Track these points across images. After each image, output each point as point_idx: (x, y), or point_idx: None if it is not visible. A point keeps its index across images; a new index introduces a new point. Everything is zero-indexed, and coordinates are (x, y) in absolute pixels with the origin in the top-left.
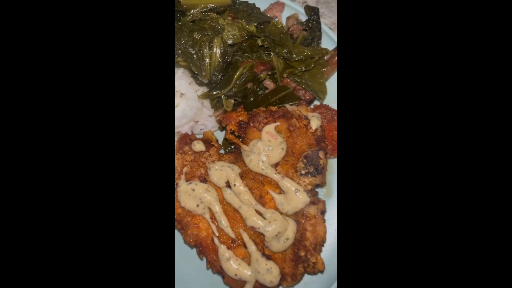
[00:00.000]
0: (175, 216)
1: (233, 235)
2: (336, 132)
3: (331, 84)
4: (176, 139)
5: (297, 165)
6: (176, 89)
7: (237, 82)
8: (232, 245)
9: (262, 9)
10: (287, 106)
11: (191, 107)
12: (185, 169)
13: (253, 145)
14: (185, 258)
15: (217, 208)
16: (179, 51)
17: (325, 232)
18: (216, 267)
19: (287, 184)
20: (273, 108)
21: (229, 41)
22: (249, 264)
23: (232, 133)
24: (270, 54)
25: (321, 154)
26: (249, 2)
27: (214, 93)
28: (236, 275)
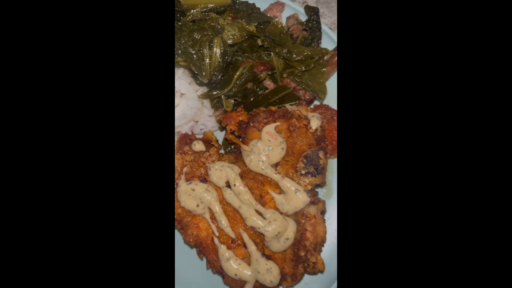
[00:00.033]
0: (175, 216)
1: (233, 235)
2: (336, 132)
3: (331, 84)
4: (176, 139)
5: (297, 165)
6: (176, 89)
7: (237, 82)
8: (232, 245)
9: (262, 9)
10: (287, 106)
11: (191, 107)
12: (185, 169)
13: (253, 145)
14: (185, 258)
15: (217, 208)
16: (179, 51)
17: (325, 232)
18: (216, 267)
19: (287, 184)
20: (273, 108)
21: (229, 41)
22: (249, 264)
23: (232, 133)
24: (270, 54)
25: (321, 154)
26: (249, 2)
27: (214, 93)
28: (236, 275)
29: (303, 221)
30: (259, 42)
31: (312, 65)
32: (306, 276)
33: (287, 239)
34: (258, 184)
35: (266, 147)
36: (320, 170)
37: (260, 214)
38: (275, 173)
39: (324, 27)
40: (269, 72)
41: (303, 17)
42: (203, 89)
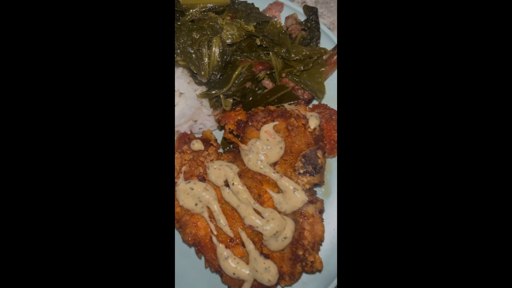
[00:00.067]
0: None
1: (231, 234)
2: (334, 132)
3: (330, 83)
4: (175, 138)
5: (296, 164)
6: (175, 88)
7: (236, 81)
8: (230, 244)
9: (261, 9)
10: (286, 105)
11: (190, 106)
12: (183, 168)
13: (252, 144)
14: (184, 257)
15: (215, 207)
16: (178, 51)
17: (323, 231)
18: (214, 266)
19: (285, 183)
20: (272, 108)
21: (228, 41)
22: (247, 263)
23: (231, 132)
24: (269, 53)
25: (319, 153)
26: (248, 2)
27: (213, 92)
28: (234, 274)
29: (301, 220)
30: (258, 42)
31: (311, 65)
32: (304, 275)
33: (285, 238)
34: (256, 183)
35: (265, 146)
36: (318, 169)
37: (258, 213)
38: (274, 172)
39: (322, 27)
40: (268, 72)
41: (302, 17)
42: (202, 89)
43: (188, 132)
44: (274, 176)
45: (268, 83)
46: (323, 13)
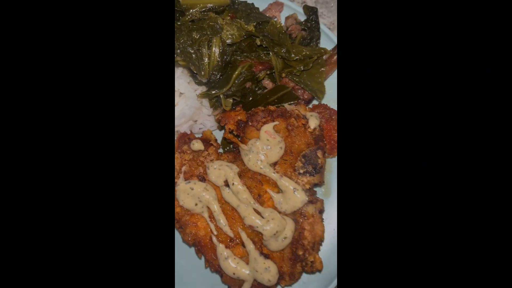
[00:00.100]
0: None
1: (231, 234)
2: (334, 132)
3: (330, 83)
4: (175, 138)
5: (296, 164)
6: (175, 88)
7: (236, 81)
8: (230, 244)
9: (261, 9)
10: (286, 105)
11: (190, 106)
12: (183, 168)
13: (252, 144)
14: (184, 257)
15: (215, 207)
16: (178, 51)
17: (323, 231)
18: (214, 266)
19: (285, 183)
20: (272, 108)
21: (228, 41)
22: (247, 263)
23: (231, 132)
24: (269, 53)
25: (319, 153)
26: (248, 2)
27: (213, 92)
28: (234, 274)
29: (301, 220)
30: (258, 42)
31: (311, 65)
32: (304, 275)
33: (285, 238)
34: (256, 183)
35: (265, 146)
36: (318, 169)
37: (258, 213)
38: (274, 172)
39: (322, 27)
40: (268, 72)
41: (302, 17)
42: (202, 89)
43: (188, 132)
44: (274, 176)
45: (268, 83)
46: (323, 13)
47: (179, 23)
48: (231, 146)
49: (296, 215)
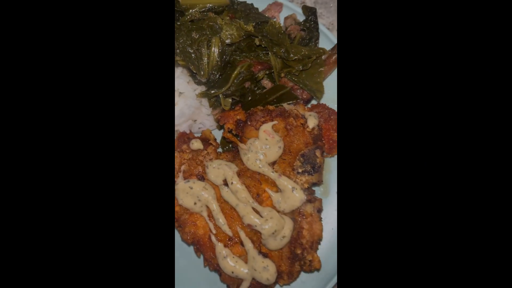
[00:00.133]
0: None
1: (230, 233)
2: (333, 131)
3: (328, 83)
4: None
5: (294, 164)
6: (174, 88)
7: (235, 81)
8: (229, 243)
9: (260, 9)
10: (285, 105)
11: (189, 105)
12: (183, 167)
13: (251, 144)
14: (182, 256)
15: (214, 206)
16: (178, 51)
17: (321, 230)
18: (213, 264)
19: (284, 182)
20: (271, 107)
21: (227, 41)
22: (246, 262)
23: (230, 131)
24: (268, 53)
25: (318, 152)
26: (247, 2)
27: (212, 92)
28: (233, 272)
29: (299, 219)
30: (257, 42)
31: (310, 65)
32: (302, 274)
33: (283, 237)
34: (255, 182)
35: (264, 146)
36: (317, 169)
37: (257, 212)
38: (272, 172)
39: (321, 27)
40: (267, 72)
41: (301, 17)
42: (201, 88)
43: (188, 132)
44: (272, 175)
45: (267, 83)
46: (322, 14)
47: (178, 23)
48: (230, 145)
49: (295, 214)
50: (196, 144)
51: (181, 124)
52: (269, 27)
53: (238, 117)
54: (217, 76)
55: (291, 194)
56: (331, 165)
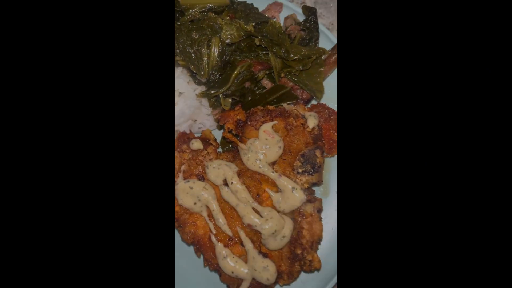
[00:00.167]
0: None
1: (230, 233)
2: (333, 131)
3: (328, 83)
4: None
5: (294, 164)
6: (174, 88)
7: (235, 81)
8: (229, 243)
9: (260, 9)
10: (285, 105)
11: (189, 105)
12: (183, 167)
13: (251, 144)
14: (182, 256)
15: (214, 206)
16: (178, 51)
17: (321, 230)
18: (213, 264)
19: (284, 182)
20: (271, 107)
21: (227, 41)
22: (246, 262)
23: (230, 131)
24: (268, 53)
25: (318, 152)
26: (247, 2)
27: (212, 92)
28: (233, 272)
29: (299, 219)
30: (257, 42)
31: (310, 65)
32: (302, 274)
33: (283, 237)
34: (255, 182)
35: (264, 146)
36: (317, 169)
37: (257, 212)
38: (272, 172)
39: (321, 27)
40: (267, 72)
41: (301, 17)
42: (201, 88)
43: (188, 132)
44: (272, 175)
45: (267, 83)
46: (322, 14)
47: (178, 23)
48: (230, 145)
49: (295, 214)
50: (196, 144)
51: (181, 124)
52: (269, 27)
53: (238, 117)
54: (217, 76)
55: (291, 194)
56: (331, 165)
